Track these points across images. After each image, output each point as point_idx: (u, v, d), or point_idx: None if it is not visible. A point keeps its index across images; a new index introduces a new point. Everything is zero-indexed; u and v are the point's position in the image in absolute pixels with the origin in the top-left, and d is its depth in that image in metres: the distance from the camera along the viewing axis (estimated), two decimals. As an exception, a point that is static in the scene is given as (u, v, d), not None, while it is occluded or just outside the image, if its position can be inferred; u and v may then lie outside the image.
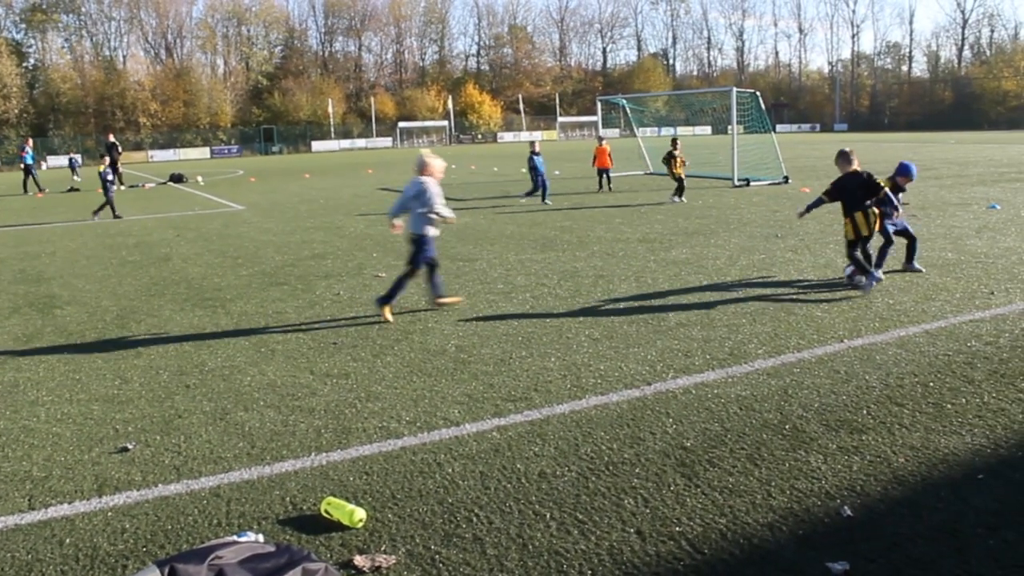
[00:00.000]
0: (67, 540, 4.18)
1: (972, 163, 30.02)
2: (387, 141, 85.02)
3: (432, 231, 8.73)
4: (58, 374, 7.13)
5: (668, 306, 8.80)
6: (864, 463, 4.70)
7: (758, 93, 27.23)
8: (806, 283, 9.69)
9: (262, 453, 5.19)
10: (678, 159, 19.98)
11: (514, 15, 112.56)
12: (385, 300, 8.73)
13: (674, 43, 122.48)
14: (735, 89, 25.23)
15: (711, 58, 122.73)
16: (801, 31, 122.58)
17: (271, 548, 3.71)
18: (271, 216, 19.91)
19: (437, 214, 8.65)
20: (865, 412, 5.51)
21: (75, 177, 38.05)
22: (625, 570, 3.71)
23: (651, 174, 28.49)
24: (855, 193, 9.12)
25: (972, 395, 5.77)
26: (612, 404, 5.85)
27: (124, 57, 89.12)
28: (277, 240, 15.37)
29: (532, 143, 21.68)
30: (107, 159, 22.40)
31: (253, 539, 3.90)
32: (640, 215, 17.02)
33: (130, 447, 5.35)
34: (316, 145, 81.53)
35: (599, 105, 34.06)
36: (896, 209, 9.72)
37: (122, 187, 32.72)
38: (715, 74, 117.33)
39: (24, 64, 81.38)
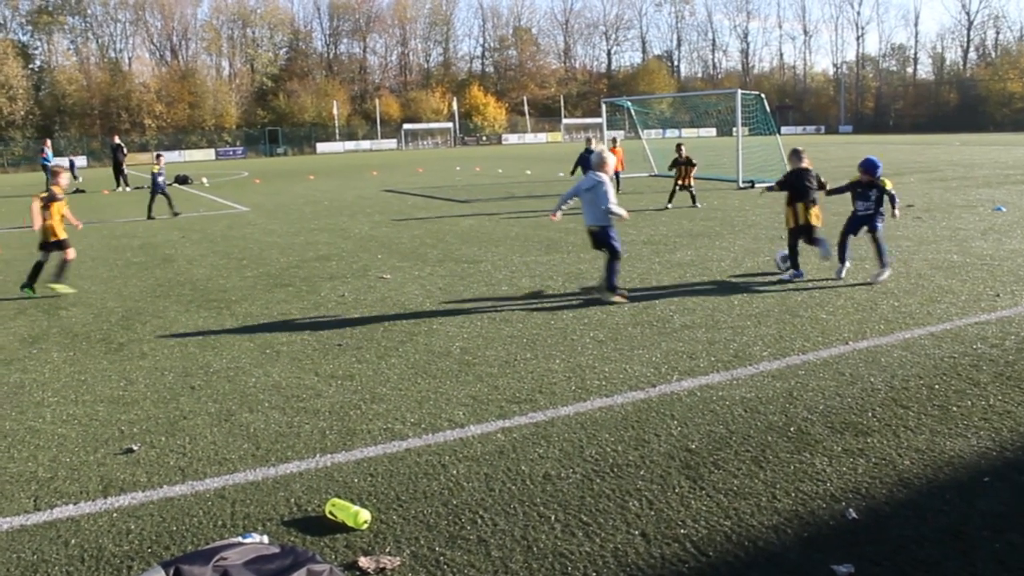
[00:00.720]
0: (72, 541, 4.18)
1: (977, 165, 29.96)
2: (392, 143, 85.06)
3: (610, 218, 9.25)
4: (63, 375, 7.14)
5: (673, 308, 8.80)
6: (869, 465, 4.69)
7: (763, 95, 27.22)
8: (811, 286, 9.67)
9: (267, 454, 5.19)
10: (683, 167, 18.38)
11: (519, 17, 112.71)
12: (611, 288, 9.17)
13: (679, 45, 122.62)
14: (740, 91, 25.21)
15: (716, 60, 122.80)
16: (806, 33, 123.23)
17: (276, 549, 3.71)
18: (276, 218, 19.94)
19: (610, 211, 9.10)
20: (870, 414, 5.50)
21: (75, 179, 38.10)
22: (630, 572, 3.70)
23: (656, 176, 28.48)
24: (800, 186, 10.15)
25: (978, 398, 5.76)
26: (617, 406, 5.84)
27: (129, 59, 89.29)
28: (282, 242, 15.39)
29: (588, 140, 20.68)
30: (162, 160, 22.59)
31: (258, 540, 3.90)
32: (645, 217, 17.00)
33: (135, 448, 5.36)
34: (321, 147, 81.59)
35: (604, 107, 34.04)
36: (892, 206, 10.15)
37: (127, 188, 32.78)
38: (720, 76, 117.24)
39: (30, 66, 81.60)
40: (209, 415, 5.98)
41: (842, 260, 10.08)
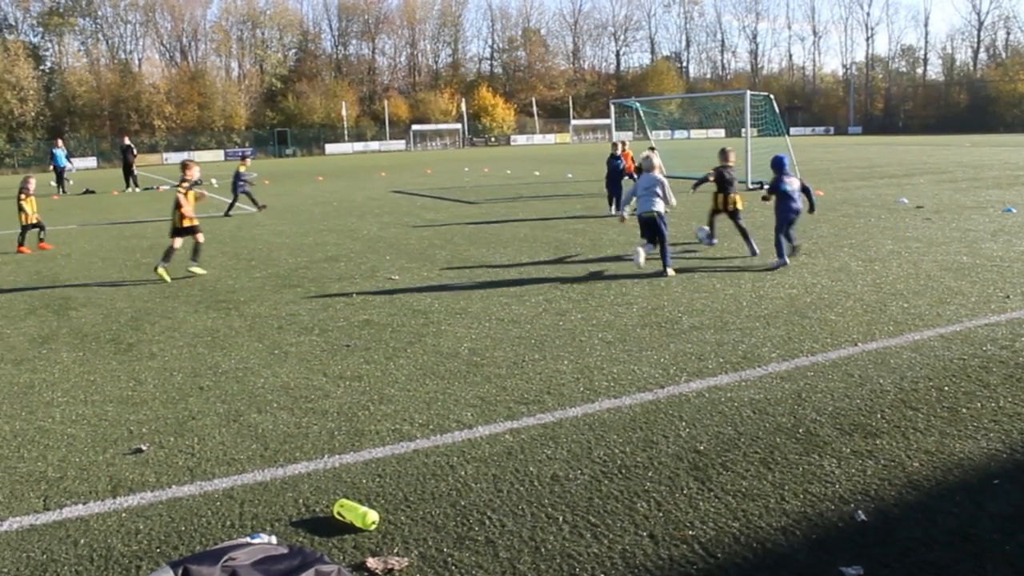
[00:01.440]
0: (82, 541, 4.20)
1: (987, 166, 29.84)
2: (400, 144, 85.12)
3: (661, 208, 10.91)
4: (73, 375, 7.17)
5: (681, 310, 8.79)
6: (878, 467, 4.68)
7: (772, 96, 27.13)
8: (820, 287, 9.65)
9: (275, 455, 5.20)
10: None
11: (527, 18, 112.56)
12: (665, 263, 10.89)
13: (687, 46, 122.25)
14: (749, 92, 25.14)
15: (724, 61, 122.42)
16: (815, 34, 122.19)
17: (284, 550, 3.72)
18: (284, 218, 19.98)
19: (668, 202, 11.04)
20: (879, 416, 5.48)
21: (68, 181, 38.24)
22: (638, 574, 3.70)
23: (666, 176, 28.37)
24: (724, 180, 12.49)
25: (987, 399, 5.73)
26: (625, 407, 5.84)
27: (139, 60, 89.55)
28: (290, 242, 15.42)
29: (615, 145, 19.50)
30: (248, 160, 23.08)
31: (266, 541, 3.91)
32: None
33: (144, 448, 5.38)
34: (330, 148, 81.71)
35: (612, 108, 34.01)
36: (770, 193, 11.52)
37: (137, 189, 32.89)
38: (728, 77, 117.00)
39: (41, 67, 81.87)
40: (218, 415, 6.00)
41: (781, 255, 11.13)
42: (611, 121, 33.78)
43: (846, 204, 18.57)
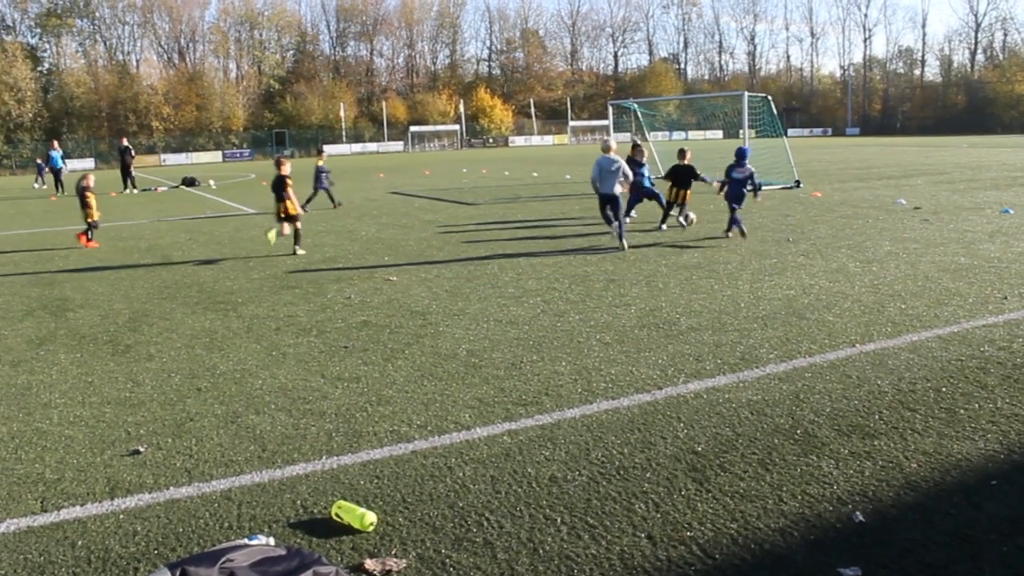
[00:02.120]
0: (79, 542, 4.19)
1: (985, 167, 29.88)
2: (399, 145, 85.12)
3: (620, 190, 12.99)
4: (70, 377, 7.16)
5: (679, 311, 8.79)
6: (876, 468, 4.68)
7: (770, 97, 27.18)
8: (818, 288, 9.65)
9: (273, 456, 5.20)
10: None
11: (526, 19, 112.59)
12: (621, 237, 12.94)
13: (685, 47, 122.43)
14: (747, 93, 25.16)
15: (722, 62, 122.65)
16: (813, 35, 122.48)
17: (282, 551, 3.72)
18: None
19: (626, 177, 12.95)
20: (877, 417, 5.49)
21: (38, 184, 38.25)
22: (636, 575, 3.70)
23: (660, 178, 28.40)
24: (680, 175, 15.33)
25: (985, 400, 5.74)
26: (623, 408, 5.84)
27: (137, 61, 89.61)
28: (288, 244, 15.40)
29: (636, 144, 17.79)
30: (325, 154, 23.37)
31: (264, 542, 3.91)
32: (653, 219, 16.97)
33: (142, 450, 5.37)
34: (328, 149, 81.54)
35: (610, 109, 34.00)
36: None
37: (135, 191, 32.87)
38: (727, 78, 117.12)
39: (38, 68, 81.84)
40: (215, 417, 5.99)
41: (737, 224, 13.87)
42: (609, 122, 33.74)
43: (844, 205, 18.58)
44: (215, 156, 76.01)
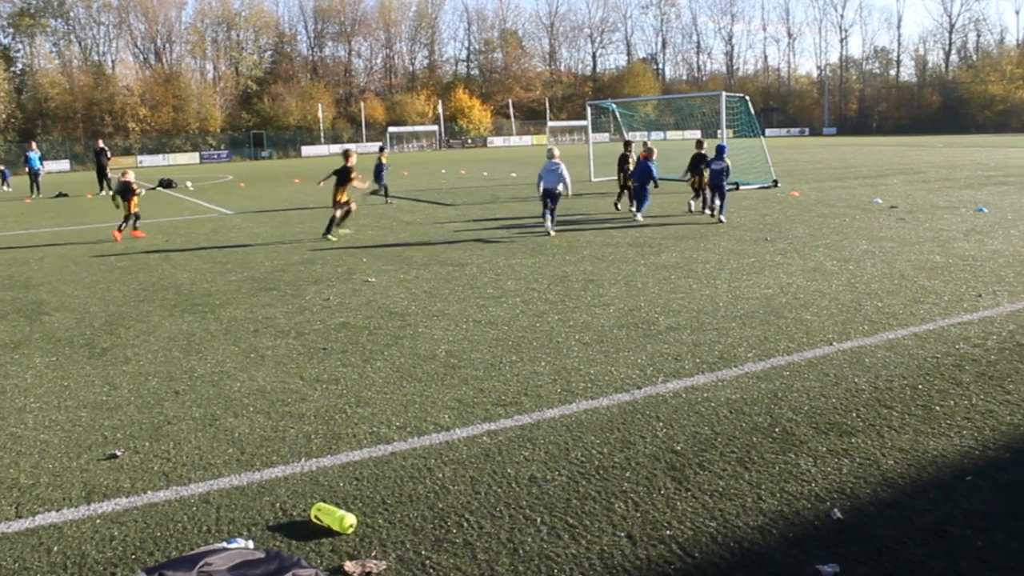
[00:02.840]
0: (55, 548, 4.15)
1: (960, 166, 30.19)
2: (377, 146, 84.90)
3: (561, 189, 14.94)
4: (46, 380, 7.09)
5: (658, 310, 8.82)
6: (854, 466, 4.72)
7: (747, 97, 27.31)
8: (795, 287, 9.72)
9: (252, 459, 5.17)
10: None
11: (504, 19, 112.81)
12: (551, 224, 15.18)
13: (663, 48, 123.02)
14: (724, 93, 25.30)
15: (700, 63, 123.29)
16: (790, 36, 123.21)
17: (261, 554, 3.70)
18: (260, 221, 19.88)
19: (565, 182, 14.93)
20: (854, 415, 5.53)
21: (6, 187, 37.91)
22: (616, 574, 3.71)
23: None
24: (624, 165, 18.49)
25: (961, 397, 5.80)
26: (602, 408, 5.85)
27: (113, 62, 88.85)
28: (267, 245, 15.34)
29: (645, 144, 18.65)
30: (387, 151, 23.72)
31: (243, 545, 3.89)
32: (631, 220, 17.04)
33: (119, 454, 5.33)
34: (306, 150, 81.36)
35: (589, 110, 34.08)
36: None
37: (110, 192, 32.54)
38: (704, 78, 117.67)
39: (12, 69, 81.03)
40: (193, 420, 5.95)
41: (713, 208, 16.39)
42: (588, 123, 33.81)
43: (821, 204, 18.72)
44: (192, 157, 75.49)
